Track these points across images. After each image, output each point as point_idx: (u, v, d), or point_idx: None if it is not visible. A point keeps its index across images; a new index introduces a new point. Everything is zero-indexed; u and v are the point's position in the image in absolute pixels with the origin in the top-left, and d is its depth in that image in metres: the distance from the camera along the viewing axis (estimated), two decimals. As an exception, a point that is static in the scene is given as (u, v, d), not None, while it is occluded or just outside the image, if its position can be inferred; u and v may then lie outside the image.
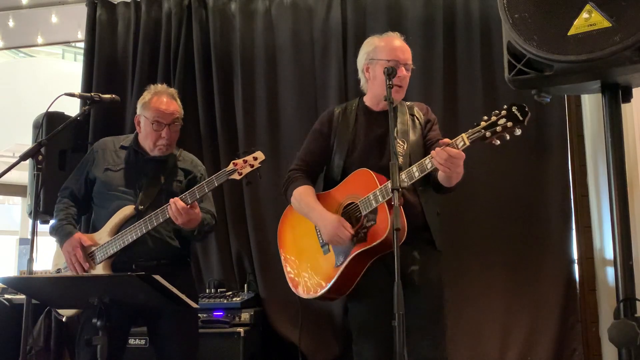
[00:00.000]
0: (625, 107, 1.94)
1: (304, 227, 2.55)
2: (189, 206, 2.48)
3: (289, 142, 3.77)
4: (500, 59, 2.03)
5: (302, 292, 2.52)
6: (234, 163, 2.48)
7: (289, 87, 3.82)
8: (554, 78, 1.80)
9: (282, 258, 2.64)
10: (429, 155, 2.23)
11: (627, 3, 1.66)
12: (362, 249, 2.33)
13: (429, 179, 2.42)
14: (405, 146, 2.46)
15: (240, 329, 3.19)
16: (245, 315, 3.30)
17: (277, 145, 3.79)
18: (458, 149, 2.15)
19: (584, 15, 1.70)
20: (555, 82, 1.85)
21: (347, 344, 3.50)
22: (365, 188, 2.36)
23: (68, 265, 2.63)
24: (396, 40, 2.55)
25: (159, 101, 2.70)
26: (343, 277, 2.38)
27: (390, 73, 2.25)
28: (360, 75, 2.62)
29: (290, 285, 2.57)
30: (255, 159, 2.48)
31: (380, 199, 2.29)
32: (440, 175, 2.32)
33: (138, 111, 2.77)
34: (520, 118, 2.06)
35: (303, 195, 2.52)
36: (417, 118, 2.57)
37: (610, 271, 3.22)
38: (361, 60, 2.60)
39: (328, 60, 3.77)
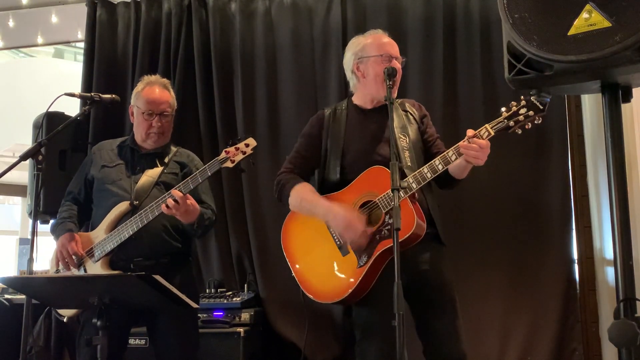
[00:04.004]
0: (625, 107, 1.93)
1: (313, 230, 2.42)
2: (184, 195, 2.44)
3: (289, 141, 3.76)
4: (500, 59, 2.03)
5: (320, 297, 2.39)
6: (225, 151, 2.47)
7: (289, 87, 3.82)
8: (554, 78, 1.79)
9: (292, 267, 2.47)
10: (453, 148, 2.25)
11: (627, 3, 1.66)
12: (389, 246, 2.20)
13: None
14: (407, 140, 2.44)
15: (240, 329, 3.19)
16: (245, 315, 3.30)
17: (277, 145, 3.79)
18: (484, 139, 2.19)
19: (584, 15, 1.70)
20: (555, 82, 1.84)
21: (347, 344, 3.51)
22: (382, 185, 2.28)
23: (58, 259, 2.63)
24: (383, 37, 2.56)
25: (150, 91, 2.72)
26: (367, 278, 2.29)
27: (391, 73, 2.25)
28: (350, 76, 2.57)
29: (307, 293, 2.43)
30: (247, 145, 2.47)
31: (402, 194, 2.21)
32: (454, 168, 2.31)
33: (132, 101, 2.79)
34: (541, 107, 2.13)
35: (302, 192, 2.44)
36: (410, 114, 2.55)
37: (610, 271, 3.22)
38: (349, 60, 2.56)
39: (328, 60, 3.77)
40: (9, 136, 8.19)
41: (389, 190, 2.14)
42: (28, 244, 2.48)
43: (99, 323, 2.03)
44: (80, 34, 4.43)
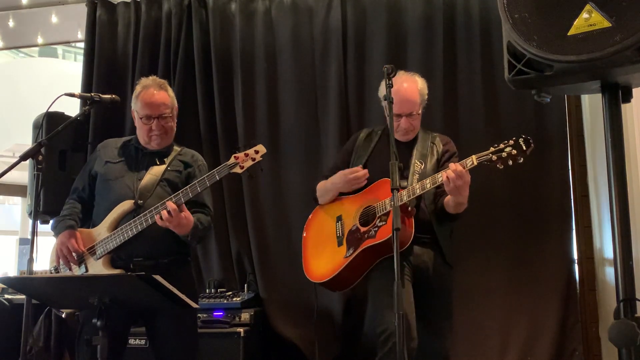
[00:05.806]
0: (625, 107, 1.93)
1: (326, 223, 2.85)
2: (179, 207, 2.44)
3: (289, 142, 3.78)
4: (500, 59, 2.03)
5: (313, 277, 2.82)
6: (235, 157, 2.47)
7: (289, 87, 3.82)
8: (554, 78, 1.79)
9: (303, 246, 2.94)
10: (442, 171, 2.52)
11: (627, 3, 1.66)
12: (371, 244, 2.59)
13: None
14: (422, 167, 2.74)
15: (240, 329, 3.19)
16: (245, 315, 3.30)
17: (277, 145, 3.79)
18: (467, 166, 2.45)
19: (584, 15, 1.70)
20: (555, 82, 1.84)
21: (347, 344, 3.51)
22: (383, 194, 2.63)
23: (58, 256, 2.62)
24: (400, 89, 2.69)
25: (146, 94, 2.70)
26: (349, 268, 2.67)
27: (390, 73, 2.27)
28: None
29: (304, 269, 2.87)
30: (256, 152, 2.47)
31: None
32: (446, 202, 2.60)
33: (132, 105, 2.79)
34: (524, 148, 2.41)
35: (322, 182, 2.93)
36: (436, 147, 2.82)
37: (610, 271, 3.22)
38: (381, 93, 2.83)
39: (328, 60, 3.77)
40: (9, 136, 8.21)
41: (386, 199, 2.61)
42: (28, 244, 2.48)
43: (99, 323, 2.03)
44: (80, 34, 4.43)
